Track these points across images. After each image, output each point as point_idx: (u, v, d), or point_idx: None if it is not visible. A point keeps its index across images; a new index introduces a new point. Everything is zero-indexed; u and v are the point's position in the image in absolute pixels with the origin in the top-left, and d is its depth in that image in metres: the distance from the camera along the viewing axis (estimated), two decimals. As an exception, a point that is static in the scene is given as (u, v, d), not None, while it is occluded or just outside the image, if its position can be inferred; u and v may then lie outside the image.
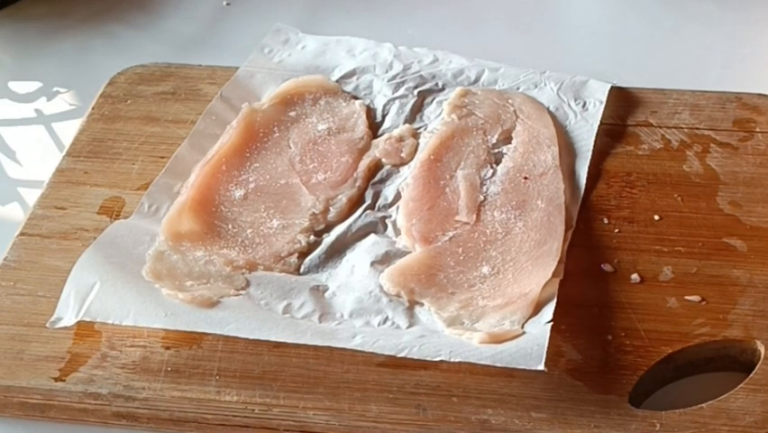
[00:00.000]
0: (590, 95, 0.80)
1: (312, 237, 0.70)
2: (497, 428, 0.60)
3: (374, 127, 0.79)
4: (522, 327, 0.62)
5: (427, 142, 0.76)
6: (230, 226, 0.71)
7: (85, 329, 0.65)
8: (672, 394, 0.63)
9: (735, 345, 0.63)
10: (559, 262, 0.66)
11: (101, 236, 0.68)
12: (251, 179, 0.74)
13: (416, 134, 0.77)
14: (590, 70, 0.82)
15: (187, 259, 0.68)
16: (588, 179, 0.73)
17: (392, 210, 0.72)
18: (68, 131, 0.82)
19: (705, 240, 0.69)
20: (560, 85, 0.81)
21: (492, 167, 0.74)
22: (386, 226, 0.71)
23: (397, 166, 0.75)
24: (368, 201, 0.73)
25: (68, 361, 0.64)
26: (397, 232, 0.70)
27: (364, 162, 0.75)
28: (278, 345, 0.63)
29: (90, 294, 0.63)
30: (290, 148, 0.76)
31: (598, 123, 0.77)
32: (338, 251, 0.70)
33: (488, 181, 0.73)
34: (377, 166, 0.76)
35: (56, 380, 0.63)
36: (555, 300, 0.63)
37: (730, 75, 0.86)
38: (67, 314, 0.63)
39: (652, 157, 0.75)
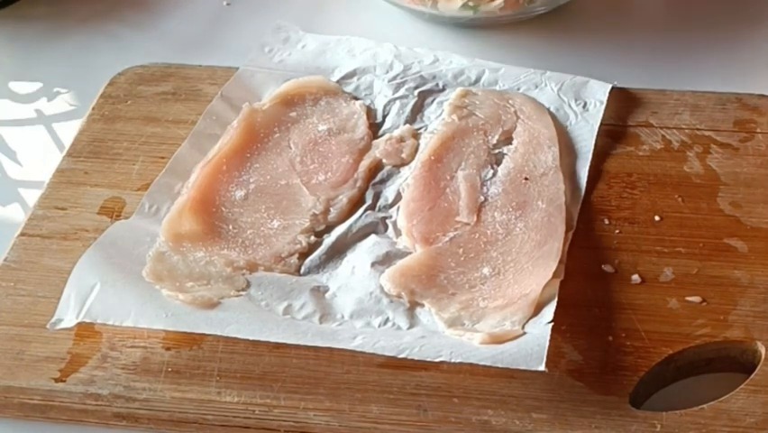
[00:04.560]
0: (591, 95, 0.79)
1: (312, 238, 0.70)
2: (497, 429, 0.60)
3: (374, 128, 0.78)
4: (522, 327, 0.62)
5: (428, 143, 0.76)
6: (230, 227, 0.70)
7: (85, 330, 0.65)
8: (672, 395, 0.63)
9: (735, 346, 0.63)
10: (559, 262, 0.66)
11: (101, 237, 0.68)
12: (251, 180, 0.74)
13: (416, 135, 0.77)
14: (591, 71, 0.81)
15: (187, 260, 0.68)
16: (588, 179, 0.73)
17: (393, 211, 0.72)
18: (69, 131, 0.82)
19: (705, 241, 0.69)
20: (560, 85, 0.81)
21: (493, 167, 0.74)
22: (386, 227, 0.71)
23: (398, 166, 0.75)
24: (368, 202, 0.73)
25: (69, 362, 0.64)
26: (398, 232, 0.70)
27: (365, 163, 0.75)
28: (278, 345, 0.63)
29: (90, 295, 0.63)
30: (291, 148, 0.76)
31: (599, 123, 0.77)
32: (338, 251, 0.69)
33: (488, 182, 0.73)
34: (377, 166, 0.75)
35: (56, 380, 0.63)
36: (556, 301, 0.63)
37: (730, 75, 0.86)
38: (67, 315, 0.63)
39: (652, 158, 0.75)
